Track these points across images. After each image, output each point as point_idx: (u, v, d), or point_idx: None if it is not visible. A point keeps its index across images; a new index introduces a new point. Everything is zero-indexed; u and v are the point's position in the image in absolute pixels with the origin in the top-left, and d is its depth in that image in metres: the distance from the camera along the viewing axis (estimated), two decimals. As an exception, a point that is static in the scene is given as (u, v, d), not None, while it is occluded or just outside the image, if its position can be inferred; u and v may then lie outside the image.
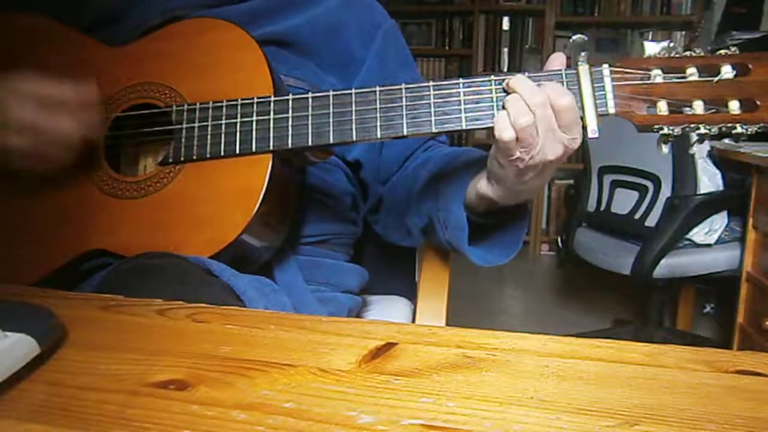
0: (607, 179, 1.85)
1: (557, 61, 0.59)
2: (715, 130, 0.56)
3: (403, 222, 0.79)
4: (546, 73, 0.58)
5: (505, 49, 3.53)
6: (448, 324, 0.83)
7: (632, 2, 3.38)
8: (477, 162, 0.68)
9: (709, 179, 1.63)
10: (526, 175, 0.59)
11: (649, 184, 1.70)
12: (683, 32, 3.30)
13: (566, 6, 3.43)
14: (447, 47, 3.61)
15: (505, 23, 3.52)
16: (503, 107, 0.57)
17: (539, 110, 0.55)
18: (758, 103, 0.55)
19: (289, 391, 0.34)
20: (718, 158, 1.66)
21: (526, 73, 0.58)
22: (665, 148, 0.58)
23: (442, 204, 0.70)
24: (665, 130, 0.57)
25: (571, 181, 2.72)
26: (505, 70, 3.49)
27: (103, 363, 0.38)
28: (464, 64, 3.59)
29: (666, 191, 1.65)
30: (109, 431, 0.31)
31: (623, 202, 1.79)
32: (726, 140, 0.58)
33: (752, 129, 0.55)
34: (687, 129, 0.56)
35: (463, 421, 0.31)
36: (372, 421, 0.31)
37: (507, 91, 0.58)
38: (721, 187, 1.64)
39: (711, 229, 1.66)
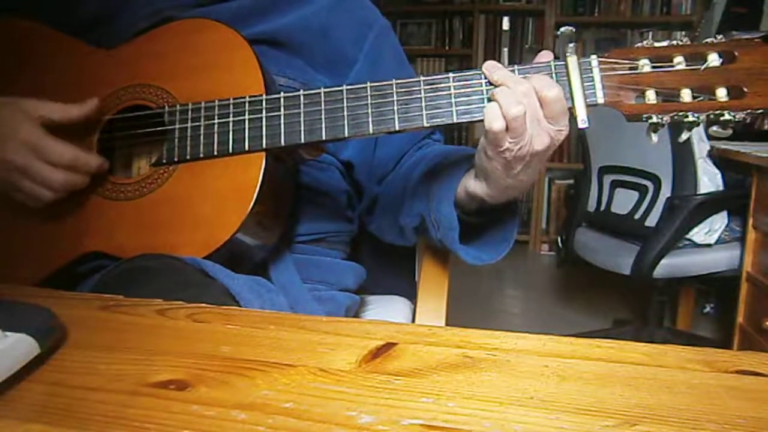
0: (607, 179, 1.84)
1: (545, 57, 0.60)
2: (703, 117, 0.57)
3: (397, 222, 0.79)
4: (535, 65, 0.59)
5: (505, 49, 3.53)
6: (448, 324, 0.83)
7: (632, 2, 3.38)
8: (467, 160, 0.69)
9: (709, 179, 1.63)
10: (513, 168, 0.59)
11: (649, 184, 1.70)
12: (683, 32, 3.30)
13: (566, 6, 3.43)
14: (447, 47, 3.60)
15: (505, 23, 3.52)
16: (491, 99, 0.57)
17: (524, 100, 0.56)
18: (745, 89, 0.56)
19: (289, 391, 0.34)
20: (718, 158, 1.66)
21: (516, 66, 0.58)
22: (655, 137, 0.59)
23: (433, 204, 0.70)
24: (654, 119, 0.57)
25: (571, 181, 2.72)
26: (505, 70, 3.49)
27: (103, 363, 0.38)
28: (464, 64, 3.58)
29: (666, 191, 1.65)
30: (109, 431, 0.31)
31: (623, 202, 1.78)
32: (714, 127, 0.58)
33: (740, 116, 0.56)
34: (675, 117, 0.57)
35: (463, 421, 0.31)
36: (372, 421, 0.31)
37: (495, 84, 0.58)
38: (721, 187, 1.64)
39: (711, 229, 1.66)
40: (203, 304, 0.48)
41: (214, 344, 0.40)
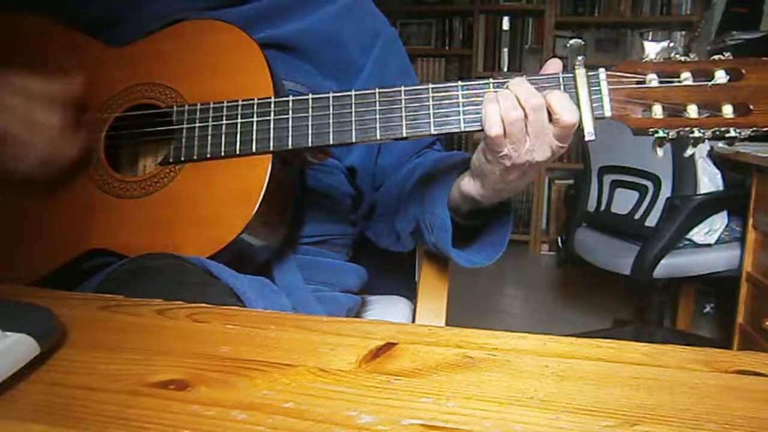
0: (607, 179, 1.85)
1: (553, 66, 0.60)
2: (708, 133, 0.57)
3: (393, 227, 0.79)
4: (544, 77, 0.59)
5: (505, 49, 3.53)
6: (448, 324, 0.83)
7: (632, 2, 3.38)
8: (461, 164, 0.69)
9: (709, 179, 1.63)
10: (510, 174, 0.59)
11: (649, 184, 1.70)
12: (683, 32, 3.30)
13: (566, 6, 3.43)
14: (447, 47, 3.60)
15: (505, 23, 3.51)
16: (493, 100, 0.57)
17: (533, 113, 0.56)
18: (751, 107, 0.56)
19: (289, 391, 0.34)
20: (718, 158, 1.66)
21: (526, 77, 0.59)
22: (660, 151, 0.59)
23: (427, 207, 0.70)
24: (660, 133, 0.58)
25: (571, 181, 2.72)
26: (505, 70, 3.50)
27: (103, 363, 0.38)
28: (464, 64, 3.59)
29: (666, 191, 1.65)
30: (109, 431, 0.31)
31: (623, 202, 1.79)
32: (720, 144, 0.59)
33: (745, 133, 0.56)
34: (682, 132, 0.57)
35: (463, 421, 0.31)
36: (372, 421, 0.31)
37: None
38: (721, 187, 1.64)
39: (711, 229, 1.66)
40: (203, 304, 0.48)
41: (214, 344, 0.40)
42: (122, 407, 0.33)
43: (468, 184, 0.65)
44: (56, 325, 0.40)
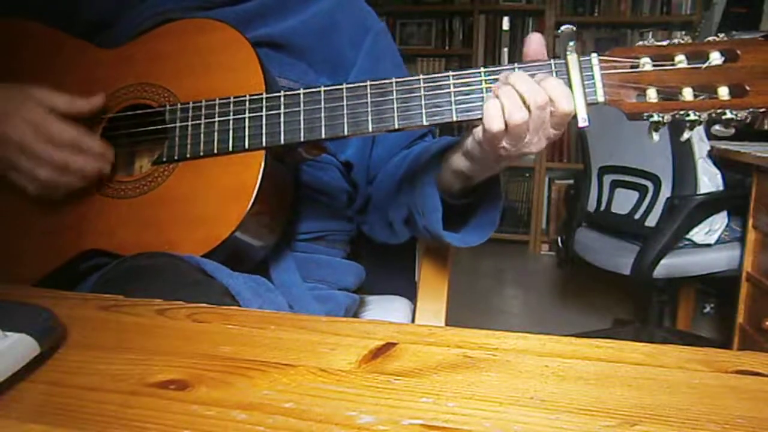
0: (607, 179, 1.84)
1: (535, 41, 0.60)
2: (705, 116, 0.56)
3: (386, 217, 0.80)
4: (536, 64, 0.58)
5: (505, 49, 3.53)
6: (448, 324, 0.83)
7: (632, 2, 3.38)
8: (449, 147, 0.69)
9: (709, 179, 1.62)
10: (505, 161, 0.61)
11: (649, 184, 1.70)
12: (683, 32, 3.28)
13: (566, 6, 3.43)
14: (447, 47, 3.60)
15: (505, 23, 3.52)
16: (495, 96, 0.57)
17: (538, 111, 0.55)
18: (747, 88, 0.55)
19: (289, 391, 0.34)
20: (718, 158, 1.66)
21: (516, 64, 0.58)
22: (656, 136, 0.58)
23: (417, 190, 0.71)
24: (655, 118, 0.57)
25: (571, 181, 2.71)
26: (505, 70, 3.49)
27: (103, 363, 0.38)
28: (464, 64, 3.58)
29: (666, 191, 1.65)
30: (109, 431, 0.31)
31: (623, 202, 1.78)
32: (717, 126, 0.58)
33: (742, 114, 0.55)
34: (677, 116, 0.56)
35: (463, 421, 0.31)
36: (372, 421, 0.31)
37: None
38: (721, 187, 1.64)
39: (711, 229, 1.65)
40: (203, 304, 0.48)
41: (214, 344, 0.40)
42: (122, 407, 0.33)
43: (459, 161, 0.65)
44: (56, 325, 0.40)
